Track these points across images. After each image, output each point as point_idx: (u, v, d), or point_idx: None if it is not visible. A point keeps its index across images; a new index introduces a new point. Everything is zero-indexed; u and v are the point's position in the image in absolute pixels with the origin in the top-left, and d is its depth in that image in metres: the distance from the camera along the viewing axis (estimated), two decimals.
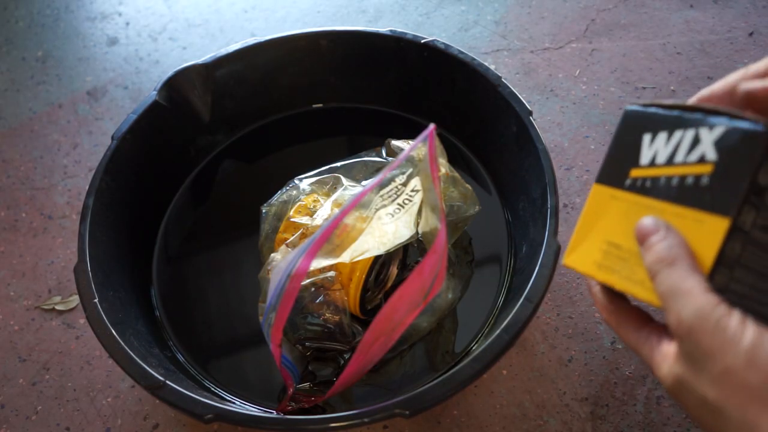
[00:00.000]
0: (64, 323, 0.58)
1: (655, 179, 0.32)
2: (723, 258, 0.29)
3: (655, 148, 0.32)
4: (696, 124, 0.31)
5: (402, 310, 0.42)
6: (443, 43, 0.59)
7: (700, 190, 0.30)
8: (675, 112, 0.32)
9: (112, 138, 0.56)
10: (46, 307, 0.59)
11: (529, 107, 0.55)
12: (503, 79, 0.56)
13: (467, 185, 0.53)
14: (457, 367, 0.43)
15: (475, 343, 0.52)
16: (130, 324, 0.50)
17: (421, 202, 0.49)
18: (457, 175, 0.53)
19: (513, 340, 0.44)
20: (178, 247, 0.60)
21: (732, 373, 0.26)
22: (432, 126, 0.41)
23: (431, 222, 0.45)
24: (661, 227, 0.30)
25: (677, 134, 0.31)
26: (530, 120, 0.54)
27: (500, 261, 0.56)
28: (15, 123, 0.73)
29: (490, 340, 0.44)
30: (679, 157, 0.31)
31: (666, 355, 0.29)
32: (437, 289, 0.42)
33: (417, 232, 0.48)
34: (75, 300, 0.59)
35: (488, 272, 0.56)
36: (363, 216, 0.47)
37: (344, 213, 0.42)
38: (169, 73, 0.59)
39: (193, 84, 0.60)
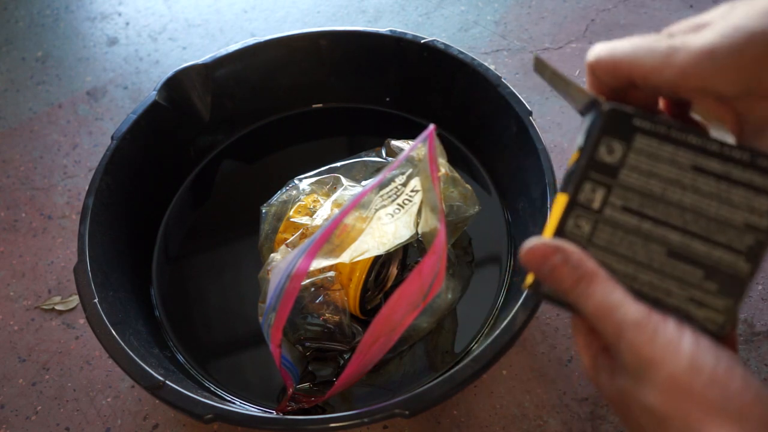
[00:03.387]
0: (64, 323, 0.58)
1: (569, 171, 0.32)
2: (563, 233, 0.29)
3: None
4: (586, 112, 0.32)
5: (401, 311, 0.42)
6: (443, 44, 0.59)
7: (569, 175, 0.30)
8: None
9: (112, 138, 0.56)
10: (45, 307, 0.59)
11: (529, 107, 0.55)
12: (503, 79, 0.56)
13: (467, 185, 0.53)
14: (457, 367, 0.43)
15: (475, 343, 0.52)
16: (129, 324, 0.50)
17: (421, 202, 0.49)
18: (456, 175, 0.53)
19: (513, 340, 0.44)
20: (178, 247, 0.60)
21: (676, 380, 0.25)
22: (432, 126, 0.41)
23: (431, 222, 0.45)
24: (549, 247, 0.28)
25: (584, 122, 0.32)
26: (530, 120, 0.54)
27: (500, 261, 0.56)
28: (15, 123, 0.73)
29: (490, 340, 0.44)
30: (574, 147, 0.32)
31: (606, 368, 0.29)
32: (437, 289, 0.42)
33: (417, 233, 0.48)
34: (75, 300, 0.59)
35: (488, 272, 0.56)
36: (363, 216, 0.47)
37: (344, 213, 0.42)
38: (169, 73, 0.59)
39: (193, 84, 0.60)
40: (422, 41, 0.60)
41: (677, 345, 0.26)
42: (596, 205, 0.29)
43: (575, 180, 0.30)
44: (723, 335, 0.28)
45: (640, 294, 0.29)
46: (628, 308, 0.27)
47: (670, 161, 0.28)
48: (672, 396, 0.25)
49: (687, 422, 0.25)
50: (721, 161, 0.28)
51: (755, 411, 0.25)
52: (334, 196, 0.51)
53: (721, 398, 0.25)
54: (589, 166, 0.29)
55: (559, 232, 0.30)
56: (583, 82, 0.76)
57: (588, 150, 0.29)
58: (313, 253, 0.41)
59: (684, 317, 0.28)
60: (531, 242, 0.29)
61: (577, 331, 0.30)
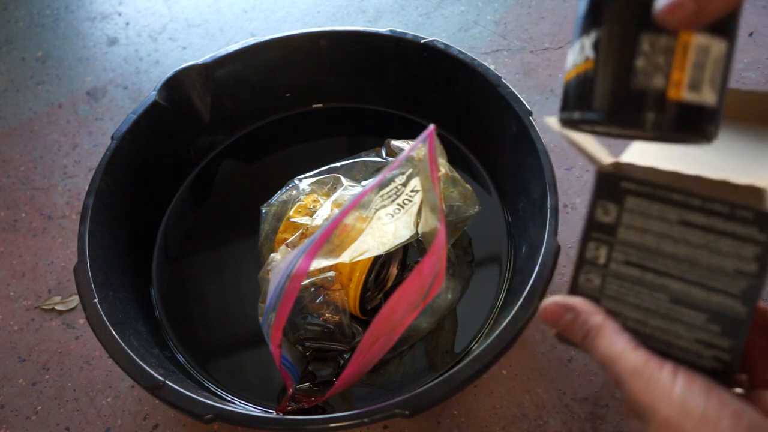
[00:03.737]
0: (64, 323, 0.58)
1: None
2: (577, 288, 0.33)
3: None
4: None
5: (401, 311, 0.42)
6: (443, 44, 0.59)
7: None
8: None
9: (112, 138, 0.56)
10: (45, 307, 0.59)
11: (529, 107, 0.55)
12: (503, 79, 0.56)
13: (467, 185, 0.53)
14: (457, 367, 0.43)
15: (475, 343, 0.52)
16: (129, 324, 0.50)
17: (421, 202, 0.49)
18: (456, 175, 0.53)
19: (513, 340, 0.44)
20: (178, 247, 0.60)
21: (670, 423, 0.27)
22: (432, 126, 0.41)
23: (431, 222, 0.45)
24: (561, 306, 0.32)
25: None
26: (530, 120, 0.54)
27: (500, 261, 0.56)
28: (15, 123, 0.73)
29: (490, 340, 0.44)
30: None
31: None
32: (436, 289, 0.42)
33: (417, 233, 0.48)
34: (75, 300, 0.59)
35: (488, 272, 0.56)
36: (363, 216, 0.47)
37: (344, 213, 0.42)
38: (169, 73, 0.59)
39: (193, 84, 0.60)
40: (422, 41, 0.60)
41: (670, 390, 0.28)
42: (602, 261, 0.32)
43: (581, 240, 0.32)
44: (733, 373, 0.30)
45: (651, 338, 0.31)
46: (628, 357, 0.29)
47: (659, 218, 0.31)
48: None
49: None
50: (705, 215, 0.30)
51: None
52: (334, 196, 0.51)
53: None
54: (591, 227, 0.32)
55: (573, 287, 0.33)
56: None
57: (588, 213, 0.32)
58: (313, 253, 0.41)
59: (695, 358, 0.30)
60: (546, 303, 0.33)
61: None
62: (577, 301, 0.32)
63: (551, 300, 0.33)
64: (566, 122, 0.29)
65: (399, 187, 0.50)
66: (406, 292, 0.40)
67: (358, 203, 0.46)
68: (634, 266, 0.31)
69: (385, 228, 0.47)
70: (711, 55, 0.25)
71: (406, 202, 0.49)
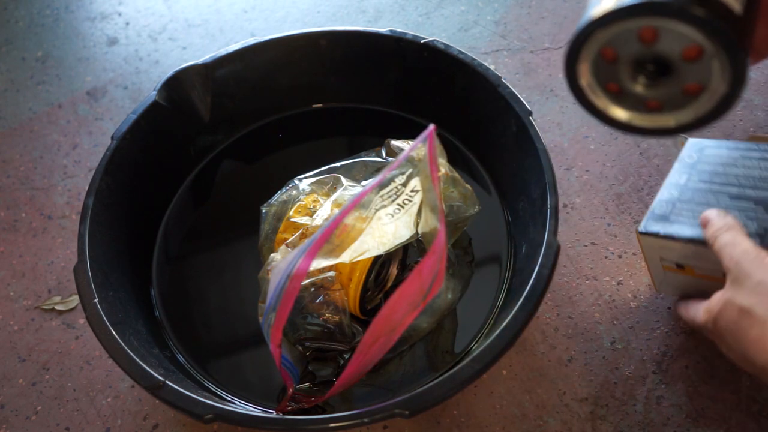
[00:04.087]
0: (64, 323, 0.58)
1: None
2: None
3: None
4: None
5: (401, 311, 0.42)
6: (443, 43, 0.59)
7: None
8: None
9: (112, 138, 0.56)
10: (45, 307, 0.59)
11: (529, 107, 0.55)
12: (503, 79, 0.56)
13: (467, 185, 0.53)
14: (457, 367, 0.43)
15: (475, 343, 0.52)
16: (130, 324, 0.50)
17: (421, 202, 0.49)
18: (456, 175, 0.53)
19: (513, 340, 0.44)
20: (178, 247, 0.60)
21: (763, 284, 0.37)
22: (432, 126, 0.41)
23: (431, 222, 0.45)
24: (720, 212, 0.42)
25: None
26: (530, 120, 0.54)
27: (500, 261, 0.56)
28: (15, 123, 0.73)
29: (490, 340, 0.44)
30: None
31: (717, 294, 0.41)
32: (436, 289, 0.42)
33: (417, 233, 0.48)
34: (75, 300, 0.59)
35: (488, 272, 0.56)
36: (363, 216, 0.47)
37: (344, 213, 0.42)
38: (169, 73, 0.59)
39: (193, 84, 0.60)
40: (422, 41, 0.60)
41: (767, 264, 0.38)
42: None
43: None
44: None
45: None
46: (745, 243, 0.40)
47: None
48: (757, 295, 0.37)
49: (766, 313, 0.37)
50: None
51: None
52: (334, 196, 0.51)
53: None
54: None
55: None
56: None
57: None
58: (313, 253, 0.41)
59: None
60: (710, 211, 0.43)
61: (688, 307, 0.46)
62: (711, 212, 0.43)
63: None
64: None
65: (399, 187, 0.50)
66: (406, 292, 0.40)
67: (358, 203, 0.46)
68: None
69: (385, 228, 0.47)
70: None
71: (406, 202, 0.49)
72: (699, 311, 0.43)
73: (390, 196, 0.49)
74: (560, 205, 0.61)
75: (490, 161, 0.62)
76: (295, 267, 0.41)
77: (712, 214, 0.42)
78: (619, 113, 0.30)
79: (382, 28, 0.62)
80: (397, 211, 0.48)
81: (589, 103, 0.31)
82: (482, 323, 0.53)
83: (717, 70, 0.28)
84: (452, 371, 0.43)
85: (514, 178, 0.57)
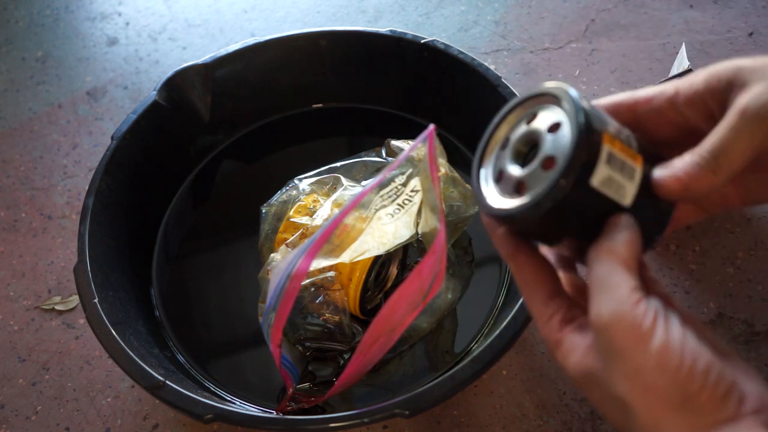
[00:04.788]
0: (64, 323, 0.58)
1: None
2: None
3: None
4: None
5: (401, 311, 0.42)
6: (443, 43, 0.59)
7: None
8: None
9: (112, 138, 0.56)
10: (45, 307, 0.59)
11: None
12: (503, 79, 0.56)
13: (467, 185, 0.53)
14: (457, 367, 0.43)
15: (475, 343, 0.52)
16: (130, 324, 0.50)
17: (421, 202, 0.49)
18: (456, 175, 0.53)
19: (513, 340, 0.44)
20: (178, 247, 0.60)
21: (642, 373, 0.26)
22: (432, 126, 0.41)
23: (431, 222, 0.45)
24: (629, 224, 0.29)
25: None
26: None
27: (500, 261, 0.56)
28: (15, 123, 0.73)
29: (490, 340, 0.44)
30: None
31: (577, 346, 0.29)
32: (436, 289, 0.42)
33: (417, 233, 0.48)
34: (75, 300, 0.59)
35: (488, 272, 0.56)
36: (363, 216, 0.47)
37: (344, 214, 0.42)
38: (169, 73, 0.59)
39: (193, 84, 0.60)
40: (422, 41, 0.60)
41: (649, 339, 0.26)
42: None
43: None
44: None
45: None
46: (620, 293, 0.27)
47: None
48: (635, 388, 0.27)
49: (649, 416, 0.27)
50: None
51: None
52: (334, 196, 0.51)
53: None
54: None
55: None
56: (583, 81, 0.76)
57: None
58: (313, 253, 0.41)
59: None
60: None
61: (540, 302, 0.31)
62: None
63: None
64: None
65: (399, 187, 0.50)
66: (406, 292, 0.40)
67: (358, 203, 0.46)
68: None
69: (385, 228, 0.47)
70: None
71: (406, 202, 0.49)
72: (570, 352, 0.30)
73: (390, 196, 0.49)
74: None
75: None
76: (295, 267, 0.41)
77: (619, 218, 0.29)
78: (497, 201, 0.31)
79: (382, 28, 0.62)
80: (397, 211, 0.48)
81: (478, 191, 0.32)
82: (482, 323, 0.53)
83: (568, 136, 0.28)
84: (452, 371, 0.43)
85: None
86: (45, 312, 0.59)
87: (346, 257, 0.45)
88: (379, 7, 0.81)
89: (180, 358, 0.53)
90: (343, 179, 0.53)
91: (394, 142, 0.55)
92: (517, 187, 0.30)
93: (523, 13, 0.78)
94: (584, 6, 0.78)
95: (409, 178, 0.50)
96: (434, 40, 0.60)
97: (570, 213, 0.29)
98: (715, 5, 0.77)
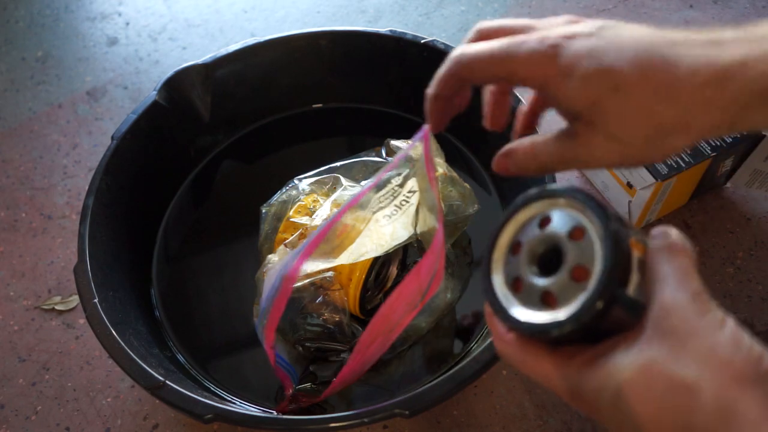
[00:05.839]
0: (64, 323, 0.58)
1: None
2: None
3: None
4: None
5: (400, 311, 0.42)
6: (443, 43, 0.59)
7: None
8: None
9: (112, 138, 0.56)
10: (45, 307, 0.59)
11: None
12: None
13: (465, 184, 0.53)
14: (456, 367, 0.43)
15: (475, 343, 0.52)
16: (130, 324, 0.50)
17: (419, 203, 0.49)
18: (455, 174, 0.53)
19: None
20: (178, 247, 0.60)
21: (717, 350, 0.26)
22: (426, 127, 0.41)
23: (429, 222, 0.45)
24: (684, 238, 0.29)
25: None
26: None
27: None
28: (15, 123, 0.73)
29: (489, 340, 0.44)
30: None
31: (629, 345, 0.28)
32: (435, 289, 0.42)
33: (415, 233, 0.48)
34: (75, 300, 0.59)
35: None
36: (361, 217, 0.47)
37: (337, 217, 0.42)
38: (169, 73, 0.59)
39: (193, 84, 0.60)
40: (422, 41, 0.60)
41: (723, 322, 0.26)
42: None
43: None
44: None
45: None
46: (692, 283, 0.28)
47: None
48: (708, 367, 0.26)
49: (721, 397, 0.25)
50: None
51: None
52: (333, 196, 0.51)
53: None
54: None
55: None
56: None
57: None
58: (306, 255, 0.41)
59: None
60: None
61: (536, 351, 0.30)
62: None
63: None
64: None
65: (396, 188, 0.50)
66: (404, 292, 0.40)
67: (354, 205, 0.46)
68: None
69: (383, 230, 0.47)
70: None
71: (404, 203, 0.49)
72: (561, 369, 0.30)
73: (387, 198, 0.49)
74: None
75: (490, 161, 0.61)
76: (288, 269, 0.41)
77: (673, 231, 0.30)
78: (520, 312, 0.30)
79: (382, 28, 0.62)
80: (394, 212, 0.48)
81: (496, 300, 0.30)
82: (482, 323, 0.53)
83: (597, 246, 0.28)
84: (452, 371, 0.43)
85: (514, 179, 0.57)
86: (45, 312, 0.59)
87: (344, 259, 0.45)
88: (379, 7, 0.81)
89: (180, 358, 0.53)
90: (342, 179, 0.53)
91: (394, 142, 0.55)
92: (543, 299, 0.29)
93: (524, 13, 0.78)
94: (584, 6, 0.78)
95: (406, 179, 0.50)
96: (434, 40, 0.60)
97: (600, 319, 0.28)
98: (715, 5, 0.77)
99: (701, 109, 0.29)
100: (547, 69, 0.32)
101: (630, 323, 0.28)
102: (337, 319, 0.48)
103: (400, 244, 0.47)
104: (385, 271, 0.53)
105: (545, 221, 0.30)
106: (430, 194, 0.42)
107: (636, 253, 0.28)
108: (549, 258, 0.30)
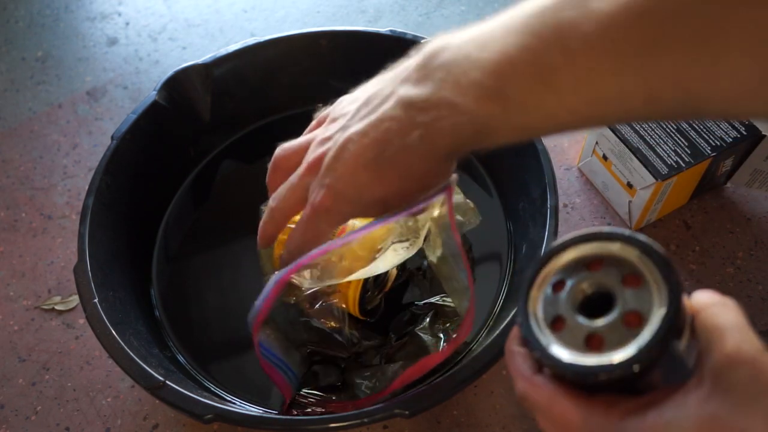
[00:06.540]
0: (64, 323, 0.58)
1: None
2: None
3: None
4: None
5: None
6: None
7: None
8: None
9: (112, 138, 0.56)
10: (45, 307, 0.59)
11: None
12: None
13: (468, 201, 0.52)
14: (457, 367, 0.43)
15: (475, 343, 0.52)
16: (130, 324, 0.50)
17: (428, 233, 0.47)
18: (460, 193, 0.52)
19: None
20: (178, 247, 0.60)
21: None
22: (452, 182, 0.40)
23: (459, 302, 0.45)
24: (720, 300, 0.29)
25: None
26: None
27: (500, 261, 0.56)
28: (15, 123, 0.73)
29: (490, 340, 0.44)
30: None
31: (685, 396, 0.27)
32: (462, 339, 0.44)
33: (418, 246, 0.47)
34: (75, 300, 0.59)
35: (488, 272, 0.56)
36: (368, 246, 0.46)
37: (334, 247, 0.41)
38: (169, 73, 0.59)
39: (193, 84, 0.60)
40: (422, 41, 0.60)
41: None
42: None
43: None
44: None
45: None
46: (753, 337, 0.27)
47: None
48: None
49: None
50: None
51: None
52: None
53: None
54: None
55: None
56: None
57: None
58: (295, 271, 0.41)
59: None
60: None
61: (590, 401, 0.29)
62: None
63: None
64: None
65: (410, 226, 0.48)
66: (430, 363, 0.44)
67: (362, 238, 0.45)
68: None
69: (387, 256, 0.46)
70: None
71: (413, 238, 0.47)
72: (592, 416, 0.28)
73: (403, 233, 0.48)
74: (560, 205, 0.61)
75: (490, 161, 0.61)
76: (280, 277, 0.41)
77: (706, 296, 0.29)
78: (561, 352, 0.28)
79: (382, 28, 0.62)
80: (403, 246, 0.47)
81: (534, 337, 0.29)
82: (482, 323, 0.53)
83: (655, 295, 0.27)
84: (452, 371, 0.43)
85: (514, 179, 0.57)
86: (45, 312, 0.59)
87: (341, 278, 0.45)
88: (379, 7, 0.81)
89: (180, 358, 0.53)
90: None
91: None
92: (588, 341, 0.28)
93: None
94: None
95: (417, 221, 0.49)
96: None
97: (651, 369, 0.27)
98: None
99: None
100: None
101: (668, 379, 0.28)
102: (336, 324, 0.48)
103: (399, 261, 0.46)
104: (385, 272, 0.53)
105: (596, 263, 0.29)
106: (458, 266, 0.42)
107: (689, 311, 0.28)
108: (595, 301, 0.29)
